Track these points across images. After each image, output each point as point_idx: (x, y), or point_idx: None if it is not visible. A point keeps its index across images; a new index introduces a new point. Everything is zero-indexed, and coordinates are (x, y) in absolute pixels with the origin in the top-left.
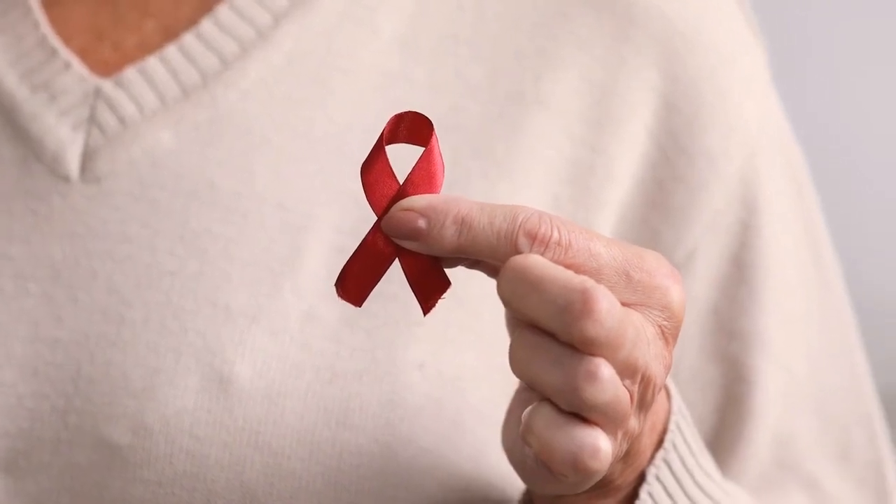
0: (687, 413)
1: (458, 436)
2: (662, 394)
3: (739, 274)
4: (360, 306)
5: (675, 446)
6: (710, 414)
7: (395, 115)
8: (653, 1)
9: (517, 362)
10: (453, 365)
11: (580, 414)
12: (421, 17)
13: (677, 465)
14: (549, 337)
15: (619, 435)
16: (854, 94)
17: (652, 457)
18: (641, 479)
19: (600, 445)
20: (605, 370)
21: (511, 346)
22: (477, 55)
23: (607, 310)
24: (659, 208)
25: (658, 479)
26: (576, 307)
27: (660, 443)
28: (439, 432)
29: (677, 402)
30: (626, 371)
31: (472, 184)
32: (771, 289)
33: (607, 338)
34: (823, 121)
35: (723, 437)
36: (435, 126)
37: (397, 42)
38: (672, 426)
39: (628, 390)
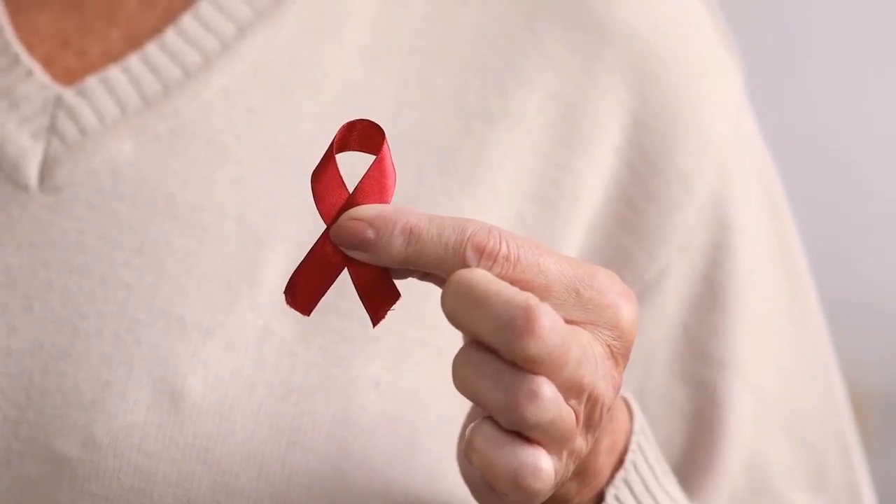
0: (650, 434)
1: (413, 456)
2: (624, 413)
3: (711, 294)
4: (308, 315)
5: (635, 466)
6: (679, 436)
7: (347, 123)
8: (623, 17)
9: (459, 379)
10: (410, 381)
11: (522, 433)
12: (387, 29)
13: (638, 486)
14: (492, 354)
15: (564, 455)
16: (855, 94)
17: (611, 477)
18: (600, 499)
19: (542, 465)
20: (546, 389)
21: (454, 361)
22: (443, 69)
23: (550, 327)
24: (629, 227)
25: (617, 499)
26: (518, 324)
27: (620, 462)
28: (394, 452)
29: (640, 421)
30: (571, 390)
31: (437, 199)
32: (743, 310)
33: (549, 356)
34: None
35: (694, 461)
36: (399, 139)
37: (362, 54)
38: (633, 446)
39: (574, 410)
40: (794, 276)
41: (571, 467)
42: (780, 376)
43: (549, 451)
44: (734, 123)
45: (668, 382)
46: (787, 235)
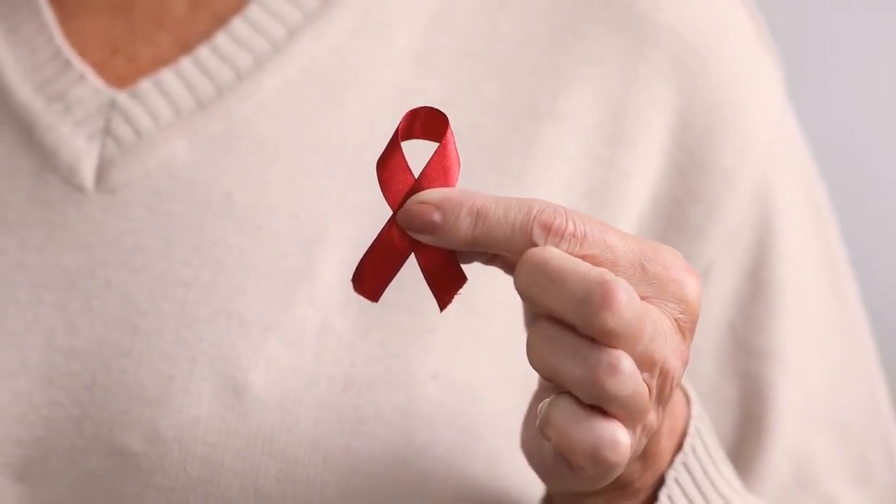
0: (707, 419)
1: (472, 445)
2: (681, 397)
3: (756, 291)
4: (376, 301)
5: (694, 450)
6: (727, 430)
7: (410, 111)
8: (666, 18)
9: (536, 354)
10: (467, 374)
11: (600, 406)
12: (435, 32)
13: (697, 470)
14: (568, 329)
15: (639, 429)
16: (870, 93)
17: (671, 460)
18: (661, 482)
19: (619, 438)
20: (625, 362)
21: (529, 337)
22: (491, 70)
23: (626, 302)
24: (675, 224)
25: (677, 482)
26: (595, 299)
27: (679, 446)
28: (454, 441)
29: (697, 407)
30: (645, 364)
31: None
32: (788, 305)
33: (626, 330)
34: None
35: (741, 454)
36: None
37: (411, 57)
38: (692, 430)
39: (647, 384)
40: (837, 272)
41: (644, 442)
42: (825, 372)
43: (626, 425)
44: (777, 122)
45: (714, 376)
46: (829, 233)
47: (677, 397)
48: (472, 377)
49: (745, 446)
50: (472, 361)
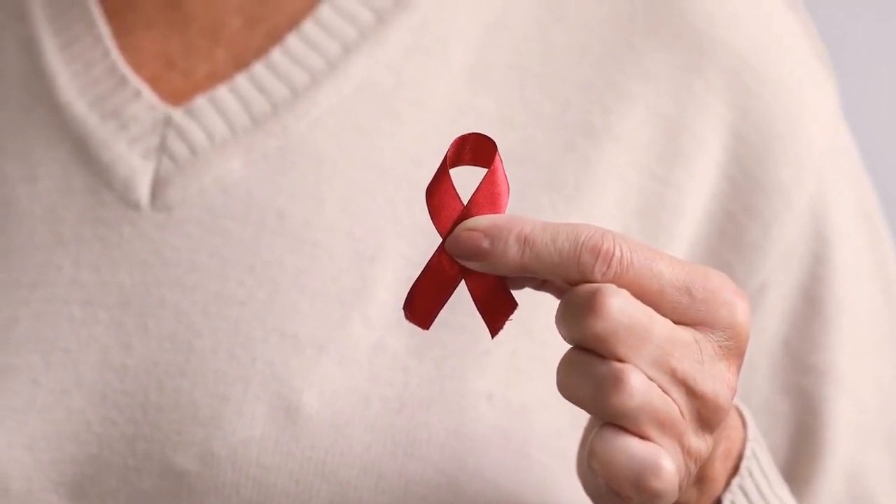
0: (763, 441)
1: (524, 467)
2: (737, 420)
3: (811, 307)
4: (427, 329)
5: (751, 473)
6: (782, 447)
7: (459, 138)
8: (721, 34)
9: (560, 383)
10: (521, 394)
11: (621, 425)
12: (489, 48)
13: (754, 493)
14: (588, 354)
15: (681, 454)
16: (883, 96)
17: (727, 483)
18: None
19: (662, 464)
20: (631, 374)
21: (557, 368)
22: (545, 87)
23: (617, 306)
24: (730, 241)
25: None
26: (584, 304)
27: (735, 469)
28: (506, 463)
29: (753, 429)
30: (663, 377)
31: (543, 215)
32: (842, 322)
33: (616, 333)
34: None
35: (796, 471)
36: (504, 158)
37: (466, 73)
38: (748, 452)
39: (675, 401)
40: (891, 287)
41: (693, 468)
42: (879, 387)
43: (663, 445)
44: (831, 136)
45: (770, 394)
46: (883, 248)
47: (732, 420)
48: (527, 398)
49: (799, 463)
50: (526, 382)
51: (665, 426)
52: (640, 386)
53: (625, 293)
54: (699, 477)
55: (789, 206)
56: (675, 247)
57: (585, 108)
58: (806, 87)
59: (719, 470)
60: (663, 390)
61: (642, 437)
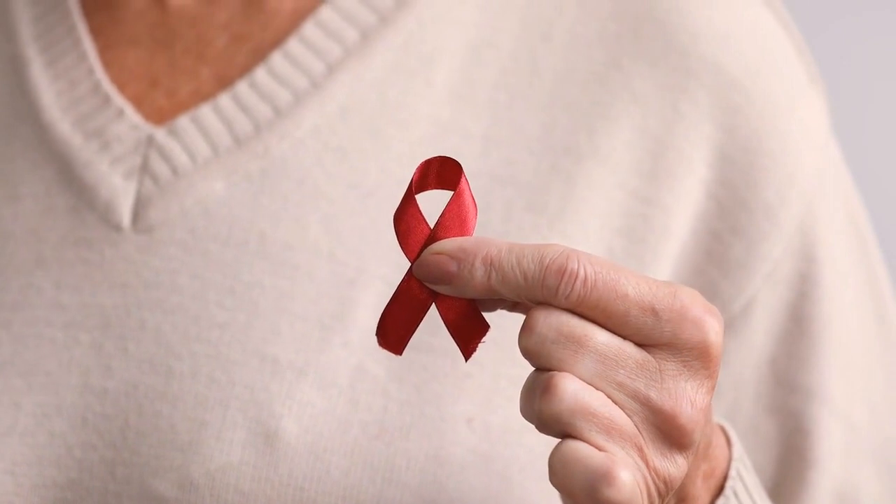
0: (748, 461)
1: (506, 492)
2: (721, 439)
3: (798, 326)
4: (400, 354)
5: (735, 494)
6: (769, 466)
7: (423, 162)
8: (708, 52)
9: (520, 405)
10: (502, 418)
11: (567, 433)
12: (474, 68)
13: None
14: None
15: (648, 471)
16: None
17: (712, 503)
18: None
19: (615, 473)
20: (560, 380)
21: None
22: (531, 107)
23: (542, 320)
24: (716, 260)
25: None
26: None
27: (720, 490)
28: (486, 489)
29: (738, 449)
30: (611, 388)
31: (526, 237)
32: (831, 341)
33: (538, 346)
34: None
35: (783, 491)
36: (488, 178)
37: (451, 94)
38: (733, 473)
39: (630, 415)
40: (881, 306)
41: (663, 489)
42: (869, 406)
43: (619, 458)
44: (821, 155)
45: (757, 413)
46: (874, 266)
47: (717, 440)
48: (508, 421)
49: (787, 482)
50: (507, 405)
51: (613, 434)
52: (570, 388)
53: (555, 313)
54: (680, 497)
55: (776, 225)
56: (660, 266)
57: (571, 129)
58: (795, 106)
59: (701, 489)
60: (616, 402)
61: (593, 446)
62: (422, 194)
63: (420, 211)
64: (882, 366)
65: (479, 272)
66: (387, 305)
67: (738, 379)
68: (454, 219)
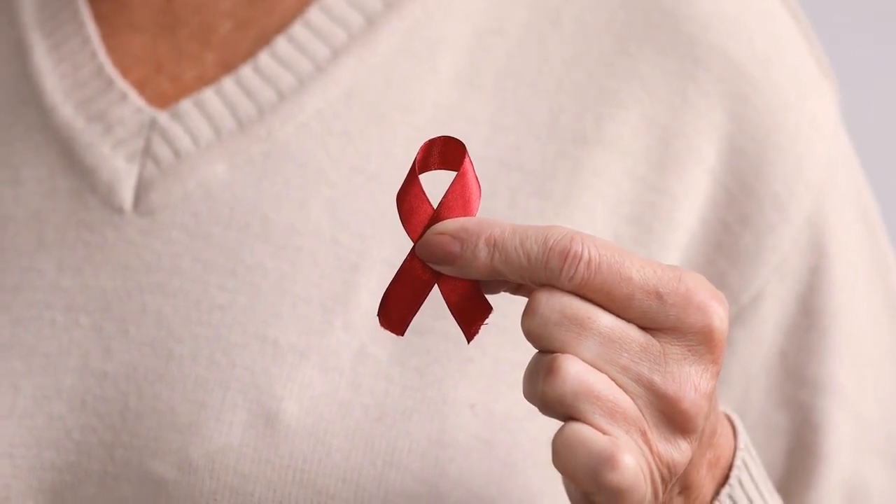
0: (755, 451)
1: (508, 477)
2: (727, 429)
3: (808, 319)
4: (402, 335)
5: (741, 483)
6: (778, 459)
7: (427, 142)
8: (718, 40)
9: (523, 389)
10: (505, 404)
11: (570, 415)
12: (480, 53)
13: (743, 502)
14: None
15: (651, 456)
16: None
17: (716, 493)
18: None
19: (619, 457)
20: (564, 362)
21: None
22: (538, 93)
23: (544, 302)
24: (725, 251)
25: None
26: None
27: (725, 479)
28: (489, 474)
29: (744, 439)
30: (614, 370)
31: (532, 222)
32: (840, 334)
33: (539, 330)
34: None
35: (792, 484)
36: (494, 164)
37: (456, 78)
38: (738, 462)
39: (634, 398)
40: (893, 299)
41: (667, 475)
42: (879, 400)
43: (622, 442)
44: (830, 146)
45: (766, 406)
46: (885, 258)
47: (722, 429)
48: (511, 407)
49: (796, 476)
50: (510, 391)
51: (617, 417)
52: (573, 370)
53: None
54: (684, 485)
55: (785, 217)
56: (667, 255)
57: (578, 115)
58: (805, 96)
59: (705, 478)
60: (619, 385)
61: (597, 429)
62: (425, 174)
63: (423, 191)
64: (892, 359)
65: (483, 253)
66: (389, 285)
67: (747, 371)
68: (458, 199)
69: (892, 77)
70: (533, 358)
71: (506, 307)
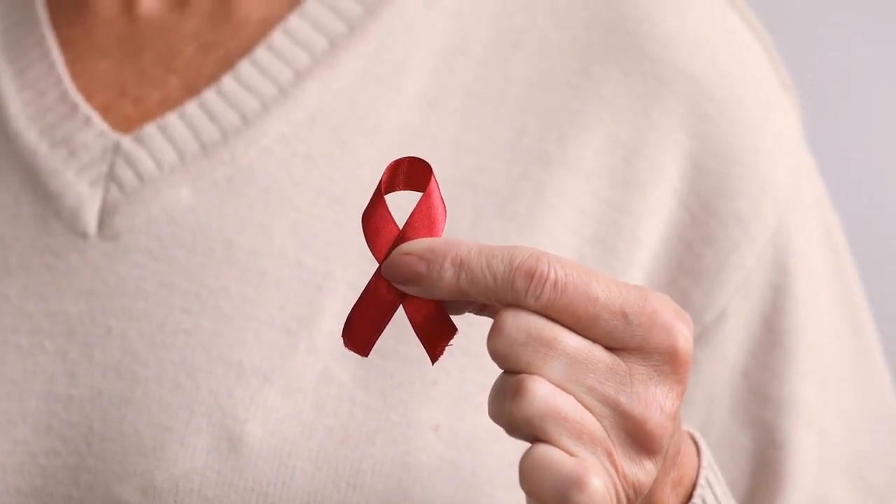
0: (718, 470)
1: (473, 498)
2: (691, 447)
3: (771, 337)
4: (366, 356)
5: (704, 502)
6: (743, 479)
7: (393, 162)
8: (681, 60)
9: (488, 408)
10: (470, 425)
11: (537, 437)
12: (445, 75)
13: None
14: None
15: (617, 477)
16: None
17: None
18: None
19: (586, 479)
20: (531, 383)
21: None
22: (501, 114)
23: (511, 323)
24: (688, 270)
25: None
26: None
27: (688, 498)
28: (454, 495)
29: (707, 457)
30: (581, 391)
31: (496, 244)
32: (804, 352)
33: (508, 349)
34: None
35: (756, 503)
36: (458, 185)
37: (420, 100)
38: (702, 481)
39: (599, 419)
40: (855, 316)
41: (632, 495)
42: (842, 418)
43: (590, 464)
44: (794, 165)
45: (730, 425)
46: (847, 276)
47: (686, 448)
48: (475, 429)
49: (760, 495)
50: (474, 413)
51: (583, 438)
52: (541, 392)
53: (519, 314)
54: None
55: (748, 236)
56: (631, 274)
57: (541, 136)
58: (767, 115)
59: (669, 496)
60: (585, 406)
61: (564, 451)
62: (391, 195)
63: (389, 211)
64: (855, 377)
65: (448, 273)
66: (354, 306)
67: (711, 390)
68: (423, 220)
69: (892, 77)
70: (499, 378)
71: (469, 329)
